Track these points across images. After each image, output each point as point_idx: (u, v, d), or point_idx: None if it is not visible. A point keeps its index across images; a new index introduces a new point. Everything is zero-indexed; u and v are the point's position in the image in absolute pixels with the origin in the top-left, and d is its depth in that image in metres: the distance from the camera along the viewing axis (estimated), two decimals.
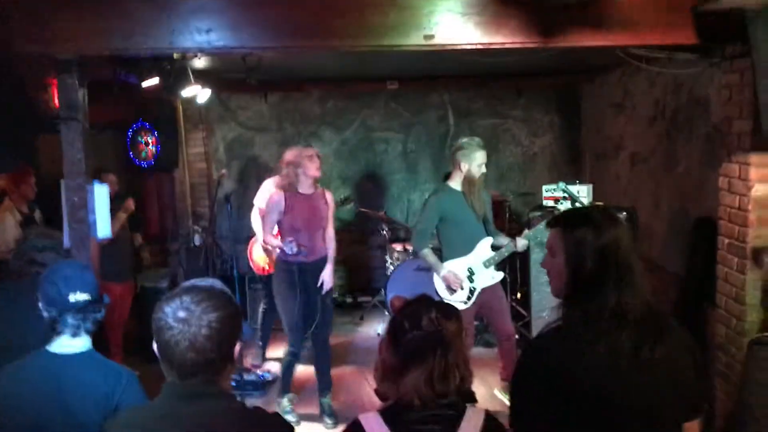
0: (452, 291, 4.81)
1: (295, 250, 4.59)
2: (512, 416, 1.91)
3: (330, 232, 5.00)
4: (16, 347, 2.50)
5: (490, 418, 1.88)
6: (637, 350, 1.78)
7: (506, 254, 4.96)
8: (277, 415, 1.87)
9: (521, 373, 1.92)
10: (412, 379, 1.83)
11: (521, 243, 4.90)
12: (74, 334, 2.34)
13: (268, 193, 5.64)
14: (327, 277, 4.88)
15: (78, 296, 2.33)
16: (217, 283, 1.84)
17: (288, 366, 4.98)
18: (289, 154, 4.82)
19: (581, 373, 1.80)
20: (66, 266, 2.46)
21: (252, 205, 5.92)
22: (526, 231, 5.03)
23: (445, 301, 4.22)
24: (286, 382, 5.02)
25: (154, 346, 1.74)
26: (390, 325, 2.00)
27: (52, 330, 2.35)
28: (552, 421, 1.81)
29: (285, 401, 4.97)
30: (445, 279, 4.80)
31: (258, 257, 6.02)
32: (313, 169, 4.77)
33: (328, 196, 5.02)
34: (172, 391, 1.72)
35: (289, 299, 4.78)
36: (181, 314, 1.67)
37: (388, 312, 6.72)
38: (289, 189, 4.78)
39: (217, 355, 1.70)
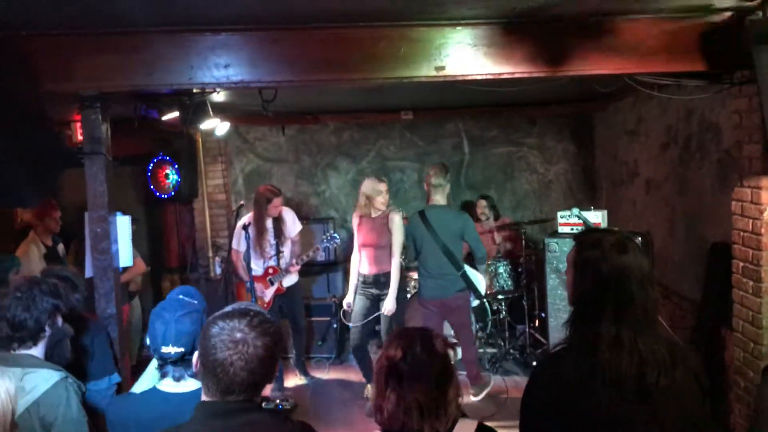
0: None
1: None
2: None
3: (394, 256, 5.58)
4: None
5: (482, 427, 1.91)
6: (640, 380, 1.78)
7: None
8: (304, 424, 1.93)
9: (528, 391, 1.94)
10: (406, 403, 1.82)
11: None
12: (177, 380, 2.33)
13: (239, 236, 5.76)
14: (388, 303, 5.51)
15: (170, 349, 2.29)
16: (264, 310, 1.91)
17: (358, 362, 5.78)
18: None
19: (582, 397, 1.81)
20: (167, 311, 2.36)
21: None
22: None
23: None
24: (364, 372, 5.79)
25: (194, 360, 1.82)
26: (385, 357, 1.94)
27: (160, 369, 2.37)
28: None
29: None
30: None
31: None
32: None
33: (392, 217, 5.58)
34: (208, 410, 1.78)
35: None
36: (238, 335, 1.75)
37: None
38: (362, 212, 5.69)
39: (265, 376, 1.80)
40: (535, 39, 3.66)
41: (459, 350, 5.81)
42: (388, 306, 5.48)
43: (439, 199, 5.46)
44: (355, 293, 5.72)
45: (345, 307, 5.80)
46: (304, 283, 6.73)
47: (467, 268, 5.53)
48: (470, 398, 5.69)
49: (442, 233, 5.34)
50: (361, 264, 5.71)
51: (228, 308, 1.85)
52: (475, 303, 5.97)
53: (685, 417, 1.85)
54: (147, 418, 2.20)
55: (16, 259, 4.30)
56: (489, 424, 1.95)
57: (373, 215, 5.61)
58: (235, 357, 1.73)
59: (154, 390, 2.35)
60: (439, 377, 1.83)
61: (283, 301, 6.12)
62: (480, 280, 5.72)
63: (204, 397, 1.80)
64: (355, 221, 5.76)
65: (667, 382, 1.79)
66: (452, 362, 1.92)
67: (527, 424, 1.92)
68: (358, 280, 5.73)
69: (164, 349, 2.29)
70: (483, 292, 5.75)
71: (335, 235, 6.13)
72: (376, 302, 5.63)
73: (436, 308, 5.49)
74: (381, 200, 5.54)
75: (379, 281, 5.59)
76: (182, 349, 2.29)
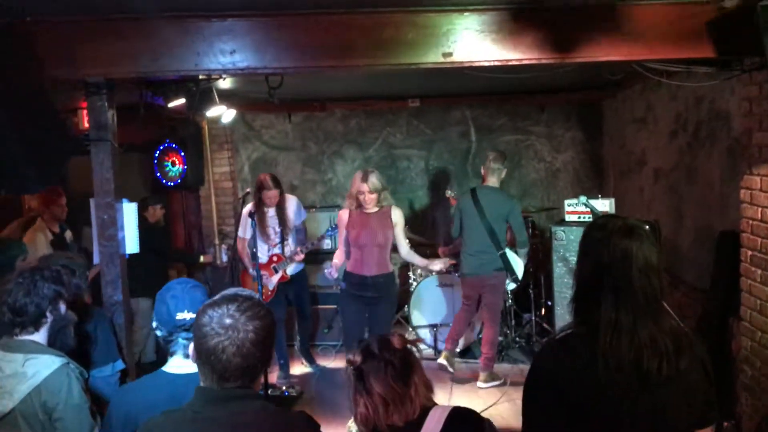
0: None
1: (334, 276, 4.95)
2: (523, 422, 1.93)
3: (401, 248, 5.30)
4: None
5: (456, 408, 1.94)
6: (638, 366, 1.77)
7: None
8: (303, 413, 1.93)
9: (530, 377, 1.94)
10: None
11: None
12: (186, 355, 2.31)
13: (245, 223, 5.71)
14: None
15: (186, 315, 2.29)
16: (254, 294, 1.92)
17: None
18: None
19: (584, 383, 1.80)
20: (176, 284, 2.40)
21: None
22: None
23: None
24: None
25: (191, 349, 1.82)
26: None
27: (166, 350, 2.36)
28: (559, 427, 1.82)
29: None
30: None
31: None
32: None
33: (394, 212, 5.15)
34: (206, 395, 1.78)
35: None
36: (228, 321, 1.74)
37: (411, 328, 6.74)
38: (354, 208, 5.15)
39: (260, 360, 1.79)
40: (543, 25, 3.62)
41: (478, 328, 6.21)
42: (440, 265, 5.40)
43: (494, 181, 5.80)
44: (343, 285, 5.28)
45: (325, 271, 5.05)
46: (310, 272, 6.73)
47: (508, 251, 5.80)
48: (476, 383, 5.73)
49: (489, 212, 5.65)
50: (356, 265, 5.10)
51: (217, 296, 1.84)
52: (511, 286, 6.17)
53: (690, 405, 1.84)
54: (154, 401, 2.20)
55: (23, 245, 4.30)
56: (492, 411, 1.95)
57: (369, 211, 5.10)
58: (227, 343, 1.72)
59: (160, 372, 2.36)
60: (400, 371, 1.90)
61: (289, 289, 6.12)
62: (519, 264, 5.96)
63: (202, 384, 1.80)
64: (344, 217, 5.17)
65: (670, 371, 1.78)
66: (414, 355, 1.99)
67: (530, 409, 1.92)
68: (351, 282, 5.12)
69: (179, 316, 2.29)
70: (520, 276, 5.98)
71: None
72: (372, 305, 5.13)
73: (474, 285, 5.78)
74: (368, 198, 5.00)
75: (378, 282, 5.07)
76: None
